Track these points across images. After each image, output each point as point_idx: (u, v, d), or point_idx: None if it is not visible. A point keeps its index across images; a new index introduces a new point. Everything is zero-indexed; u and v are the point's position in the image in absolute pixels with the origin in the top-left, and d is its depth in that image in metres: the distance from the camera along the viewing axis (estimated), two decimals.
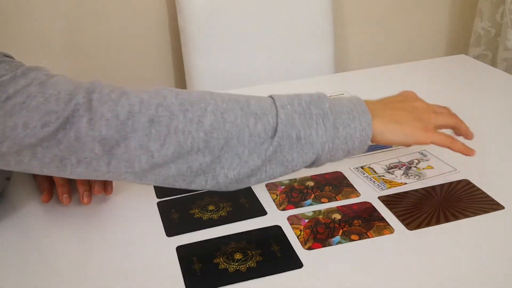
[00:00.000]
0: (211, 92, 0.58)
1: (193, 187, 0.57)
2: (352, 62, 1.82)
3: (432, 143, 0.64)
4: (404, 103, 0.66)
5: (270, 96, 0.59)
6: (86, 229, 0.64)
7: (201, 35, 1.41)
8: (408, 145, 0.65)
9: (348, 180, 0.71)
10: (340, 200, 0.67)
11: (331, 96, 0.61)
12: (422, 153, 0.77)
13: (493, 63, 1.72)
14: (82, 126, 0.51)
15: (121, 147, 0.53)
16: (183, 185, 0.57)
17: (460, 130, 0.70)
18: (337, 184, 0.71)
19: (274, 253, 0.59)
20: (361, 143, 0.59)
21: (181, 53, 1.49)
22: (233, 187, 0.58)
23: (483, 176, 0.71)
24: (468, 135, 0.71)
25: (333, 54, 1.54)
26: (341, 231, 0.62)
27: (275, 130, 0.56)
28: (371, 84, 1.05)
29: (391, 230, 0.61)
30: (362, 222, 0.63)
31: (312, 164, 0.59)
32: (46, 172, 0.55)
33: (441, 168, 0.74)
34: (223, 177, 0.56)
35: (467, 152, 0.67)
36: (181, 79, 1.66)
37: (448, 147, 0.65)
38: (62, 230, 0.64)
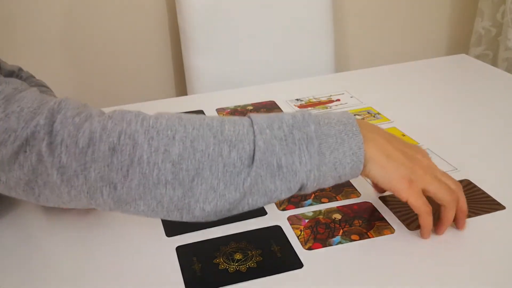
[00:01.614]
0: (181, 116, 0.52)
1: (169, 219, 0.53)
2: (352, 62, 1.82)
3: (407, 202, 0.56)
4: (407, 148, 0.58)
5: (249, 117, 0.54)
6: (86, 229, 0.64)
7: (201, 35, 1.41)
8: (381, 190, 0.58)
9: (348, 180, 0.71)
10: (341, 200, 0.67)
11: (322, 106, 0.57)
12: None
13: (494, 62, 1.72)
14: (42, 150, 0.48)
15: (80, 178, 0.49)
16: (157, 218, 0.53)
17: (445, 214, 0.57)
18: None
19: (274, 253, 0.59)
20: (353, 169, 0.53)
21: (181, 53, 1.49)
22: (214, 219, 0.53)
23: (483, 176, 0.71)
24: (459, 223, 0.60)
25: (333, 54, 1.54)
26: (341, 231, 0.62)
27: (252, 159, 0.50)
28: (371, 84, 1.05)
29: (391, 230, 0.61)
30: (363, 222, 0.63)
31: (299, 191, 0.54)
32: (14, 195, 0.52)
33: (442, 167, 0.73)
34: (200, 211, 0.51)
35: (422, 234, 0.59)
36: (180, 79, 1.66)
37: (418, 215, 0.57)
38: (62, 230, 0.64)
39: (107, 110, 0.99)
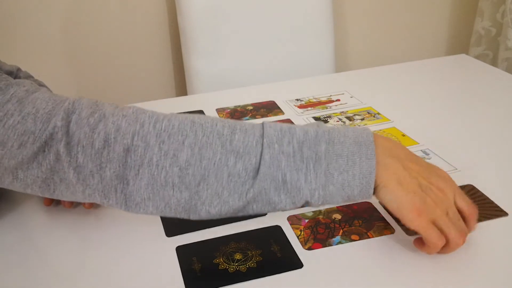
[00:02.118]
0: (194, 120, 0.53)
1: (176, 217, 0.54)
2: (352, 62, 1.82)
3: (416, 230, 0.54)
4: (425, 176, 0.54)
5: (262, 127, 0.53)
6: (85, 229, 0.64)
7: (201, 35, 1.41)
8: (391, 211, 0.54)
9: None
10: None
11: (337, 122, 0.53)
12: (424, 152, 0.77)
13: (494, 62, 1.72)
14: (60, 150, 0.50)
15: (95, 178, 0.51)
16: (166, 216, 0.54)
17: (447, 249, 0.55)
18: None
19: (274, 253, 0.58)
20: (362, 192, 0.52)
21: (181, 53, 1.49)
22: (219, 218, 0.53)
23: (483, 176, 0.71)
24: (446, 251, 0.57)
25: (333, 54, 1.54)
26: (341, 231, 0.62)
27: (257, 171, 0.51)
28: (371, 84, 1.05)
29: (391, 230, 0.61)
30: (363, 222, 0.63)
31: (305, 205, 0.53)
32: (30, 192, 0.53)
33: (442, 167, 0.73)
34: (205, 213, 0.52)
35: (426, 251, 0.56)
36: (181, 79, 1.66)
37: (427, 245, 0.55)
38: (62, 230, 0.64)
39: None
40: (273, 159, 0.51)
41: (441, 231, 0.54)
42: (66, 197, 0.53)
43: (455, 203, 0.55)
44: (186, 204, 0.52)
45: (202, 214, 0.52)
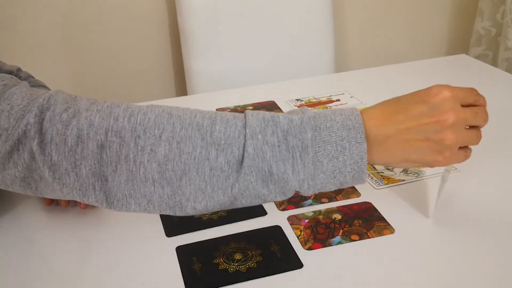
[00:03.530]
0: (171, 112, 0.50)
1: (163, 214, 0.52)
2: (352, 62, 1.82)
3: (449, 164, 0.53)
4: (425, 117, 0.52)
5: (244, 117, 0.51)
6: (85, 229, 0.64)
7: (201, 35, 1.41)
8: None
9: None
10: (341, 200, 0.67)
11: (327, 104, 0.51)
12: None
13: (494, 62, 1.72)
14: (34, 148, 0.48)
15: (71, 176, 0.49)
16: (151, 214, 0.52)
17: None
18: None
19: (274, 253, 0.58)
20: (355, 177, 0.50)
21: (181, 53, 1.49)
22: (208, 213, 0.52)
23: (483, 176, 0.71)
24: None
25: (333, 54, 1.54)
26: (341, 231, 0.62)
27: (241, 164, 0.48)
28: (371, 84, 1.05)
29: (391, 230, 0.61)
30: (363, 222, 0.63)
31: (297, 193, 0.52)
32: (11, 190, 0.52)
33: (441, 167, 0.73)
34: (191, 209, 0.50)
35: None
36: (181, 79, 1.66)
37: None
38: (62, 230, 0.64)
39: None
40: (257, 150, 0.48)
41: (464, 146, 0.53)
42: (48, 194, 0.52)
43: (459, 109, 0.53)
44: (170, 200, 0.49)
45: (188, 210, 0.50)
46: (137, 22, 1.54)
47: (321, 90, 1.03)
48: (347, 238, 0.60)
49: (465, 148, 0.54)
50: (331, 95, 1.00)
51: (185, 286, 0.55)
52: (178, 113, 0.50)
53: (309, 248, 0.59)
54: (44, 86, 0.83)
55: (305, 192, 0.50)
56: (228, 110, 0.96)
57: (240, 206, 0.51)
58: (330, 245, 0.59)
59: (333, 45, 1.53)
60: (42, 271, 0.58)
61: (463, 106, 0.53)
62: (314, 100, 0.98)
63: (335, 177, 0.50)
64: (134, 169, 0.48)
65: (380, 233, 0.61)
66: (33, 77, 0.84)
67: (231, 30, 1.43)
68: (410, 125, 0.51)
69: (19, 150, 0.48)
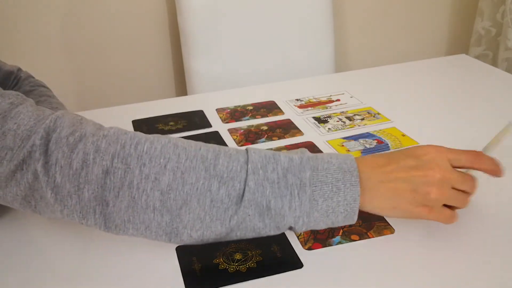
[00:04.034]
0: (177, 143, 0.52)
1: (157, 241, 0.53)
2: (352, 62, 1.82)
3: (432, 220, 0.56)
4: (413, 170, 0.54)
5: (246, 153, 0.53)
6: (85, 229, 0.64)
7: (201, 35, 1.41)
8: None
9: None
10: None
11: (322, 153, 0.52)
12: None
13: (494, 63, 1.72)
14: (38, 169, 0.49)
15: (73, 198, 0.50)
16: (146, 239, 0.53)
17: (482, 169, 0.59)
18: None
19: (274, 253, 0.59)
20: (347, 218, 0.53)
21: (181, 53, 1.49)
22: (201, 243, 0.53)
23: (483, 176, 0.71)
24: (496, 172, 0.59)
25: (333, 54, 1.54)
26: (341, 231, 0.62)
27: (241, 198, 0.50)
28: (371, 84, 1.05)
29: (391, 230, 0.61)
30: (363, 222, 0.63)
31: (289, 230, 0.54)
32: (11, 206, 0.53)
33: None
34: (187, 237, 0.51)
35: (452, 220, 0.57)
36: (181, 79, 1.66)
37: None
38: (62, 231, 0.64)
39: (106, 110, 1.00)
40: (258, 185, 0.50)
41: (449, 204, 0.56)
42: (46, 214, 0.52)
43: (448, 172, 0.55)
44: (167, 227, 0.51)
45: (184, 237, 0.51)
46: (137, 22, 1.54)
47: (321, 90, 1.03)
48: (347, 238, 0.60)
49: (452, 209, 0.57)
50: (331, 95, 1.00)
51: (185, 286, 0.55)
52: (183, 145, 0.52)
53: (309, 248, 0.59)
54: (44, 86, 0.83)
55: (299, 228, 0.52)
56: (228, 110, 0.96)
57: (234, 238, 0.53)
58: (330, 245, 0.59)
59: (333, 45, 1.53)
60: (42, 271, 0.58)
61: (455, 167, 0.56)
62: (314, 100, 0.98)
63: (328, 216, 0.52)
64: (136, 196, 0.49)
65: (380, 233, 0.61)
66: (33, 77, 0.84)
67: (231, 30, 1.43)
68: (399, 175, 0.54)
69: (22, 169, 0.49)
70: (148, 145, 0.51)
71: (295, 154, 0.53)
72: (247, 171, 0.51)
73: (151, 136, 0.52)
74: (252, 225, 0.51)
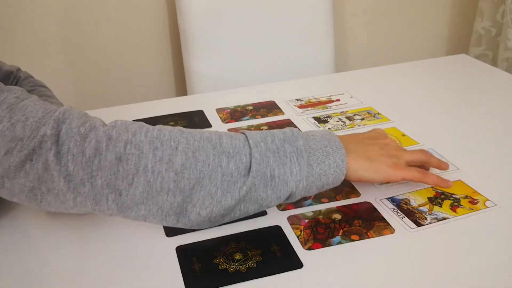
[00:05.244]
0: (182, 129, 0.56)
1: (164, 224, 0.56)
2: (352, 62, 1.82)
3: (403, 179, 0.64)
4: (375, 139, 0.67)
5: (243, 133, 0.58)
6: (85, 229, 0.64)
7: (201, 35, 1.41)
8: (378, 182, 0.66)
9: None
10: (340, 200, 0.67)
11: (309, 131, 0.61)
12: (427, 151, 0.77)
13: (494, 62, 1.72)
14: (49, 159, 0.50)
15: (87, 186, 0.51)
16: (153, 223, 0.55)
17: (431, 163, 0.69)
18: None
19: (274, 253, 0.59)
20: (335, 179, 0.59)
21: (181, 53, 1.49)
22: (206, 226, 0.57)
23: (483, 176, 0.71)
24: (441, 166, 0.70)
25: (333, 54, 1.54)
26: (341, 231, 0.62)
27: (249, 169, 0.55)
28: (371, 84, 1.05)
29: (391, 230, 0.61)
30: (363, 222, 0.63)
31: (286, 200, 0.59)
32: (16, 200, 0.53)
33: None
34: (195, 215, 0.55)
35: (442, 183, 0.66)
36: (181, 79, 1.66)
37: (421, 181, 0.65)
38: (62, 230, 0.64)
39: (106, 110, 1.00)
40: (262, 156, 0.55)
41: (417, 160, 0.67)
42: (53, 207, 0.53)
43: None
44: (178, 207, 0.53)
45: (192, 216, 0.54)
46: (137, 22, 1.54)
47: (321, 90, 1.03)
48: (347, 238, 0.60)
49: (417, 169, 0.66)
50: (331, 95, 1.00)
51: (185, 286, 0.55)
52: (188, 130, 0.56)
53: (309, 248, 0.59)
54: (44, 86, 0.83)
55: (298, 193, 0.58)
56: (228, 110, 0.96)
57: (237, 213, 0.57)
58: (330, 245, 0.60)
59: (333, 45, 1.53)
60: (42, 271, 0.58)
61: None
62: (314, 100, 0.98)
63: (320, 179, 0.58)
64: (151, 179, 0.52)
65: (380, 233, 0.61)
66: (33, 77, 0.84)
67: (231, 30, 1.43)
68: (368, 141, 0.66)
69: (32, 160, 0.50)
70: (157, 132, 0.54)
71: (286, 129, 0.59)
72: (249, 145, 0.56)
73: (157, 126, 0.56)
74: (256, 195, 0.56)
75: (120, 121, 0.54)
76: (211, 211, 0.54)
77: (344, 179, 0.61)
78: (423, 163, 0.68)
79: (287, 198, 0.58)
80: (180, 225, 0.55)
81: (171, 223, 0.55)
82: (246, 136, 0.57)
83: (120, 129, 0.53)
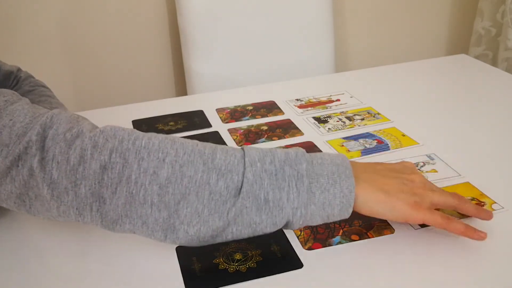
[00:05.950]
0: (175, 140, 0.52)
1: (153, 239, 0.52)
2: (352, 62, 1.82)
3: (424, 222, 0.56)
4: (399, 173, 0.59)
5: (242, 149, 0.54)
6: (85, 229, 0.64)
7: (201, 35, 1.41)
8: (395, 221, 0.57)
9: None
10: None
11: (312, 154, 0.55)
12: (429, 156, 0.77)
13: (494, 62, 1.72)
14: (34, 165, 0.48)
15: (70, 194, 0.49)
16: (142, 236, 0.53)
17: (465, 210, 0.59)
18: None
19: (274, 253, 0.59)
20: (342, 211, 0.53)
21: (181, 53, 1.49)
22: (195, 245, 0.52)
23: (483, 176, 0.71)
24: (480, 215, 0.59)
25: (333, 54, 1.54)
26: (341, 231, 0.62)
27: (239, 190, 0.50)
28: (371, 84, 1.05)
29: (391, 230, 0.61)
30: (362, 222, 0.63)
31: (285, 227, 0.54)
32: (5, 206, 0.52)
33: (445, 172, 0.73)
34: (183, 233, 0.50)
35: (471, 234, 0.56)
36: (180, 79, 1.66)
37: (445, 229, 0.57)
38: (62, 231, 0.64)
39: (106, 110, 1.00)
40: (256, 177, 0.51)
41: (444, 204, 0.58)
42: (41, 213, 0.52)
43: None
44: (164, 223, 0.50)
45: (180, 234, 0.50)
46: (137, 23, 1.54)
47: (321, 90, 1.03)
48: (347, 238, 0.60)
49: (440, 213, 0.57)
50: (331, 95, 1.00)
51: (185, 286, 0.55)
52: (180, 141, 0.52)
53: (309, 248, 0.59)
54: (44, 86, 0.83)
55: (296, 221, 0.52)
56: (228, 110, 0.96)
57: (229, 237, 0.52)
58: (330, 245, 0.59)
59: (333, 45, 1.53)
60: (42, 271, 0.58)
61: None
62: (314, 100, 0.98)
63: (324, 209, 0.53)
64: (134, 191, 0.49)
65: (380, 233, 0.61)
66: (33, 77, 0.84)
67: (231, 30, 1.43)
68: (388, 173, 0.58)
69: (18, 166, 0.49)
70: (146, 140, 0.51)
71: (290, 150, 0.54)
72: (244, 164, 0.51)
73: (148, 133, 0.52)
74: (248, 219, 0.51)
75: (109, 127, 0.52)
76: (199, 230, 0.50)
77: (358, 212, 0.55)
78: (454, 209, 0.59)
79: (286, 225, 0.53)
80: (168, 242, 0.52)
81: (158, 239, 0.52)
82: (244, 152, 0.53)
83: (108, 135, 0.50)
